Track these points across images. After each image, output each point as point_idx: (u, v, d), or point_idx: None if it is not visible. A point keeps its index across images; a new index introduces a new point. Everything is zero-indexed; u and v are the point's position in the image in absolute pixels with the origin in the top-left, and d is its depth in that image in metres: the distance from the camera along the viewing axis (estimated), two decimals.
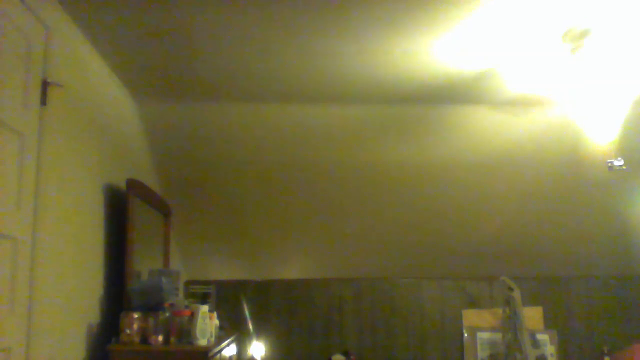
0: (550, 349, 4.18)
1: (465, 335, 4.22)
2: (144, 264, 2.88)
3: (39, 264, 1.95)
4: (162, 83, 2.86)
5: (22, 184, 1.86)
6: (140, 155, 3.22)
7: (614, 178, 3.53)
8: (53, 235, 2.08)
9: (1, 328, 1.72)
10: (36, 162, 1.96)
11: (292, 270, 4.22)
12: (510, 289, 3.98)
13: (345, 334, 4.19)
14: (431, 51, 2.52)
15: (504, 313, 4.06)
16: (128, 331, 2.42)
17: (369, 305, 4.25)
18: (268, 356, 4.11)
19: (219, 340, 2.77)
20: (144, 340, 2.44)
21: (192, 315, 2.48)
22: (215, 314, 2.79)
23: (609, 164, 2.52)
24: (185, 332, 2.47)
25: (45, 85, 2.01)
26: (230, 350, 3.09)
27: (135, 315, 2.44)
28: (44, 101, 2.00)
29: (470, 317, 4.26)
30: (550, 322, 4.27)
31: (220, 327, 2.95)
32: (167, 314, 2.50)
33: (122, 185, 2.75)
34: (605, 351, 4.16)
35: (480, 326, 4.23)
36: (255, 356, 4.05)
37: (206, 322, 2.53)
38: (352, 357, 4.00)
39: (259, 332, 4.15)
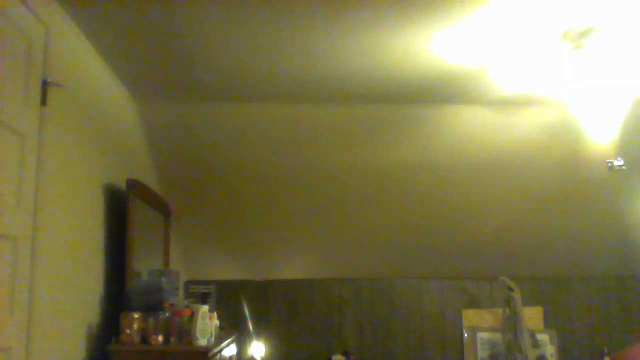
0: (550, 349, 4.17)
1: (465, 335, 4.22)
2: (144, 264, 2.88)
3: (39, 264, 1.95)
4: (162, 83, 2.86)
5: (22, 184, 1.86)
6: (140, 155, 3.22)
7: (614, 178, 3.53)
8: (53, 235, 2.08)
9: (1, 328, 1.72)
10: (36, 162, 1.96)
11: (292, 270, 4.22)
12: (510, 289, 3.98)
13: (345, 334, 4.19)
14: (431, 50, 2.51)
15: (504, 313, 4.06)
16: (128, 331, 2.42)
17: (369, 305, 4.25)
18: (268, 356, 4.11)
19: (219, 340, 2.77)
20: (144, 340, 2.44)
21: (192, 315, 2.48)
22: (215, 314, 2.78)
23: (609, 164, 2.52)
24: (185, 332, 2.47)
25: (45, 85, 2.01)
26: (230, 350, 3.09)
27: (135, 315, 2.44)
28: (44, 101, 2.00)
29: (470, 317, 4.26)
30: (550, 322, 4.27)
31: (220, 327, 2.95)
32: (167, 314, 2.50)
33: (122, 185, 2.75)
34: (605, 351, 4.16)
35: (480, 326, 4.23)
36: (255, 356, 4.05)
37: (206, 322, 2.53)
38: (352, 357, 4.00)
39: (259, 332, 4.15)
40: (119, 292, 2.63)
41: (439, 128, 3.32)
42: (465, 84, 2.90)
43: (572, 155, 3.41)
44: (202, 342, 2.46)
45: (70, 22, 2.24)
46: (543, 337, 4.19)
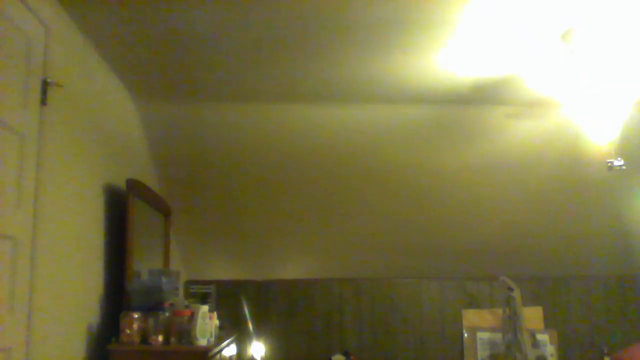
0: (550, 349, 4.17)
1: (465, 335, 4.22)
2: (144, 264, 2.88)
3: (39, 264, 1.95)
4: (162, 83, 2.86)
5: (22, 184, 1.86)
6: (140, 155, 3.22)
7: (614, 178, 3.53)
8: (53, 235, 2.08)
9: (1, 328, 1.72)
10: (36, 162, 1.96)
11: (292, 270, 4.22)
12: (510, 289, 3.98)
13: (345, 334, 4.19)
14: (436, 61, 2.52)
15: (504, 313, 4.06)
16: (128, 331, 2.42)
17: (369, 305, 4.25)
18: (268, 356, 4.11)
19: (219, 340, 2.77)
20: (144, 340, 2.44)
21: (192, 315, 2.48)
22: (215, 314, 2.78)
23: (609, 164, 2.52)
24: (185, 332, 2.47)
25: (45, 85, 2.01)
26: (230, 350, 3.09)
27: (135, 315, 2.44)
28: (44, 101, 2.00)
29: (470, 317, 4.26)
30: (550, 322, 4.27)
31: (220, 327, 2.95)
32: (167, 314, 2.50)
33: (122, 185, 2.75)
34: (605, 351, 4.16)
35: (480, 326, 4.23)
36: (255, 356, 4.05)
37: (206, 322, 2.53)
38: (352, 357, 4.00)
39: (259, 332, 4.15)
40: (119, 292, 2.63)
41: (436, 131, 3.32)
42: (465, 89, 2.89)
43: (572, 155, 3.41)
44: (202, 342, 2.46)
45: (70, 22, 2.24)
46: (543, 337, 4.19)
